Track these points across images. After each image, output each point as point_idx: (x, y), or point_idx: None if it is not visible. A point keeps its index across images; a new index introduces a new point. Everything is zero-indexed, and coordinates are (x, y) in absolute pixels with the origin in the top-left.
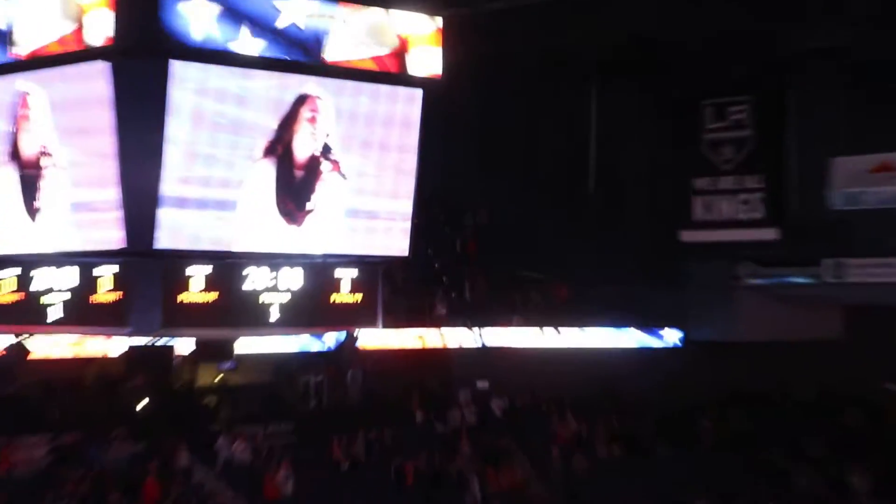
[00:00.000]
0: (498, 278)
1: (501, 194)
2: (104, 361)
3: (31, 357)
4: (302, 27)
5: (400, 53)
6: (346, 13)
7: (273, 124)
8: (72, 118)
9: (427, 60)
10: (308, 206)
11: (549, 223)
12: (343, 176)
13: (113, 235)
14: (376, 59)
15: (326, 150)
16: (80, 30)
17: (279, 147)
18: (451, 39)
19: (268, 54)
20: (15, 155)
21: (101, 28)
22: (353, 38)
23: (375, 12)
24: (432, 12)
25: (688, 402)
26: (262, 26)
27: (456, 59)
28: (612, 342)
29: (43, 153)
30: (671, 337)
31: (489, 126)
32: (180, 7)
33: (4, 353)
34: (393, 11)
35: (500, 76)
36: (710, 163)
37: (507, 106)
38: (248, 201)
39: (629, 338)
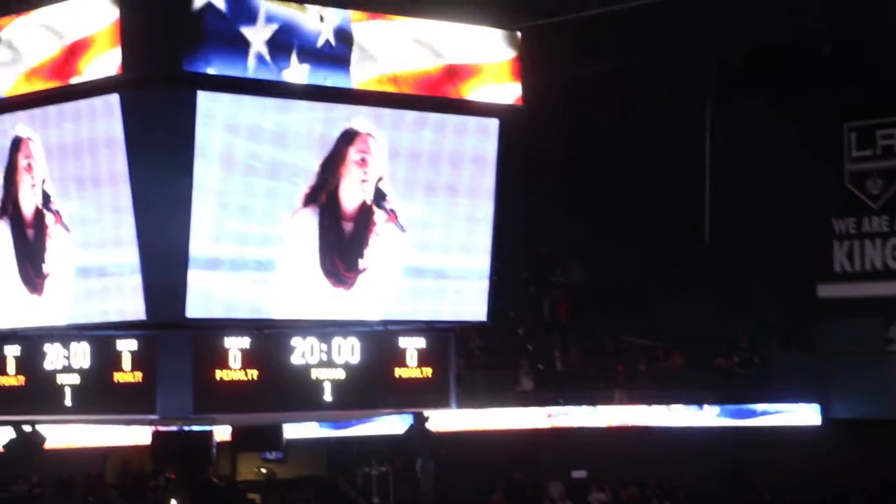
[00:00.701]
0: (595, 346)
1: (598, 245)
2: (128, 452)
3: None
4: (351, 47)
5: (471, 76)
6: (406, 28)
7: (315, 166)
8: (77, 165)
9: (504, 84)
10: (360, 264)
11: (657, 279)
12: (401, 228)
13: (129, 306)
14: (442, 83)
15: (380, 196)
16: (82, 58)
17: (322, 194)
18: (533, 58)
19: (310, 81)
20: (8, 210)
21: (109, 56)
22: (413, 58)
23: (439, 26)
24: (509, 25)
25: (829, 493)
26: (304, 49)
27: (539, 81)
28: (737, 420)
29: (42, 208)
30: (808, 414)
31: (581, 162)
32: (207, 26)
33: (15, 442)
34: (460, 25)
35: (592, 101)
36: (855, 200)
37: (602, 138)
38: (287, 260)
39: (756, 414)
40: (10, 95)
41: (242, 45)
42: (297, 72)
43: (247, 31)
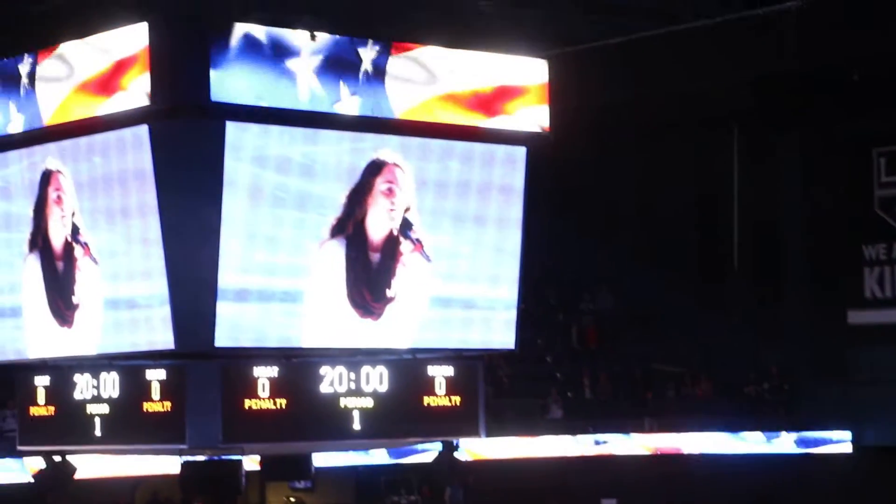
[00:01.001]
0: (624, 373)
1: (627, 272)
2: (157, 482)
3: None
4: (377, 77)
5: (498, 104)
6: (431, 57)
7: (342, 197)
8: (106, 197)
9: (531, 112)
10: (387, 294)
11: (686, 306)
12: (427, 258)
13: (158, 337)
14: (470, 111)
15: (407, 226)
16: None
17: (349, 225)
18: (560, 85)
19: (339, 111)
20: (38, 243)
21: (138, 87)
22: (440, 87)
23: (466, 56)
24: (536, 53)
25: None
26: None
27: (566, 108)
28: (767, 447)
29: (71, 240)
30: (839, 441)
31: (608, 189)
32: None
33: (45, 473)
34: (486, 54)
35: (619, 128)
36: (885, 226)
37: (629, 165)
38: (315, 291)
39: (787, 442)
40: (48, 125)
41: (286, 76)
42: (348, 104)
43: (291, 62)
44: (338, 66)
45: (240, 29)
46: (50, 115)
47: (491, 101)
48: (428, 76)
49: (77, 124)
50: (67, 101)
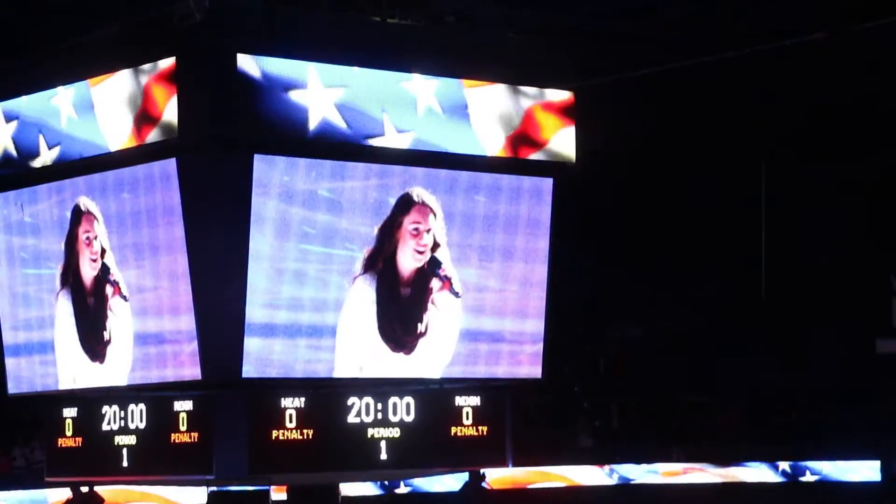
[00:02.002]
0: (652, 403)
1: (653, 302)
2: None
3: None
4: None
5: (524, 136)
6: (472, 90)
7: (372, 232)
8: (135, 233)
9: (558, 142)
10: (419, 328)
11: (714, 336)
12: (456, 294)
13: (186, 372)
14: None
15: (435, 264)
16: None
17: (380, 260)
18: (586, 115)
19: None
20: (69, 279)
21: (166, 120)
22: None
23: (494, 88)
24: (562, 84)
25: None
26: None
27: (595, 139)
28: (795, 477)
29: (101, 279)
30: (868, 471)
31: (635, 219)
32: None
33: (72, 502)
34: (513, 87)
35: (645, 158)
36: None
37: (656, 195)
38: (345, 326)
39: (816, 472)
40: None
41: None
42: (397, 139)
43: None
44: (378, 99)
45: (267, 62)
46: (78, 150)
47: (519, 133)
48: (466, 108)
49: (105, 159)
50: (95, 136)
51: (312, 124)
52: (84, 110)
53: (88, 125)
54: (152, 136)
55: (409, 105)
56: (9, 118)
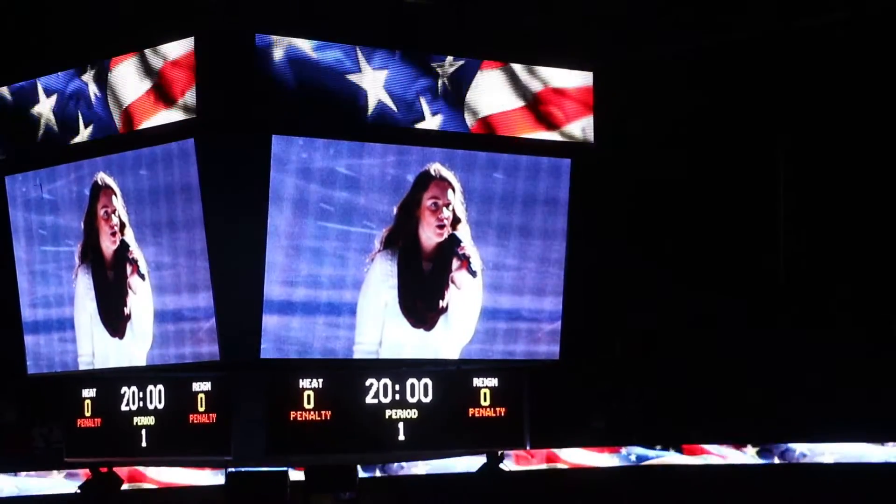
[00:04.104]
0: (669, 385)
1: (670, 284)
2: (204, 493)
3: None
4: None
5: (542, 117)
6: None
7: (391, 210)
8: (153, 211)
9: (577, 123)
10: (440, 304)
11: (730, 318)
12: (473, 273)
13: (204, 349)
14: (515, 123)
15: (454, 242)
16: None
17: (400, 237)
18: (605, 96)
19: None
20: (88, 255)
21: (185, 100)
22: (488, 99)
23: (513, 69)
24: (581, 65)
25: None
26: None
27: (610, 119)
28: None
29: (120, 254)
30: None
31: (655, 202)
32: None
33: (91, 484)
34: (532, 67)
35: (663, 139)
36: None
37: (677, 178)
38: (365, 303)
39: (835, 452)
40: (94, 140)
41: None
42: (430, 122)
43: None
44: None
45: (289, 42)
46: (95, 130)
47: (537, 113)
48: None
49: (124, 138)
50: (114, 116)
51: (370, 109)
52: (107, 89)
53: (110, 104)
54: (171, 116)
55: (432, 87)
56: (48, 92)
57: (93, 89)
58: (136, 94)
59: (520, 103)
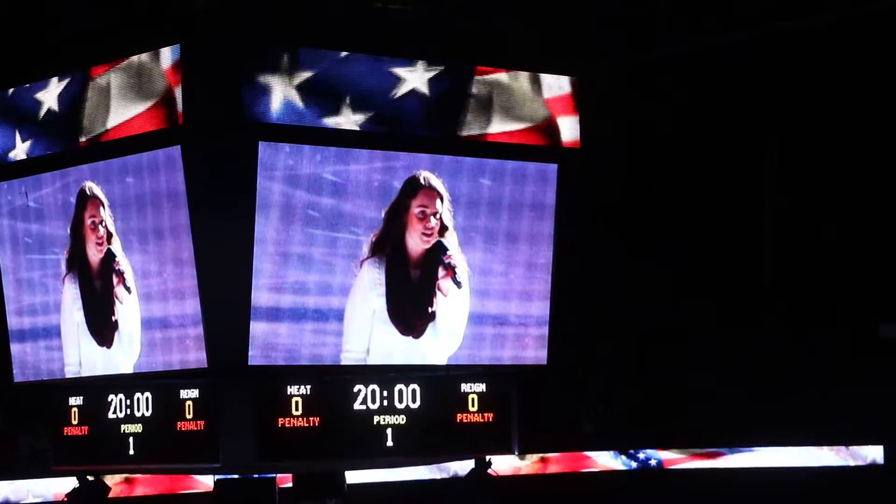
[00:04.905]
0: (656, 388)
1: (656, 288)
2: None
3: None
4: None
5: (528, 122)
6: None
7: (378, 216)
8: (139, 218)
9: (562, 128)
10: (428, 311)
11: (717, 320)
12: (458, 284)
13: (191, 357)
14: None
15: (441, 250)
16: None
17: (388, 243)
18: (590, 100)
19: (373, 128)
20: (76, 264)
21: (171, 107)
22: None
23: (496, 75)
24: (565, 69)
25: None
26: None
27: (598, 124)
28: (795, 461)
29: (105, 264)
30: (870, 454)
31: (642, 205)
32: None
33: (78, 492)
34: (514, 73)
35: (648, 142)
36: None
37: (663, 180)
38: (353, 310)
39: (816, 456)
40: (80, 146)
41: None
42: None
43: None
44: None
45: (277, 48)
46: (82, 137)
47: (522, 119)
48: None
49: (110, 145)
50: (100, 123)
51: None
52: (86, 99)
53: (90, 114)
54: (157, 123)
55: (414, 92)
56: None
57: (48, 103)
58: (122, 103)
59: (506, 109)
